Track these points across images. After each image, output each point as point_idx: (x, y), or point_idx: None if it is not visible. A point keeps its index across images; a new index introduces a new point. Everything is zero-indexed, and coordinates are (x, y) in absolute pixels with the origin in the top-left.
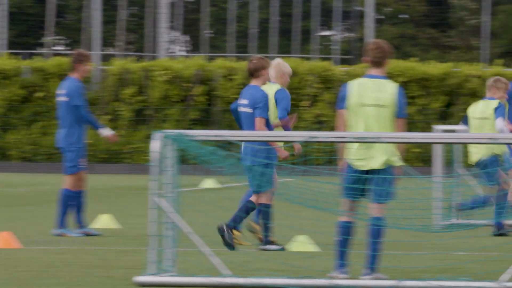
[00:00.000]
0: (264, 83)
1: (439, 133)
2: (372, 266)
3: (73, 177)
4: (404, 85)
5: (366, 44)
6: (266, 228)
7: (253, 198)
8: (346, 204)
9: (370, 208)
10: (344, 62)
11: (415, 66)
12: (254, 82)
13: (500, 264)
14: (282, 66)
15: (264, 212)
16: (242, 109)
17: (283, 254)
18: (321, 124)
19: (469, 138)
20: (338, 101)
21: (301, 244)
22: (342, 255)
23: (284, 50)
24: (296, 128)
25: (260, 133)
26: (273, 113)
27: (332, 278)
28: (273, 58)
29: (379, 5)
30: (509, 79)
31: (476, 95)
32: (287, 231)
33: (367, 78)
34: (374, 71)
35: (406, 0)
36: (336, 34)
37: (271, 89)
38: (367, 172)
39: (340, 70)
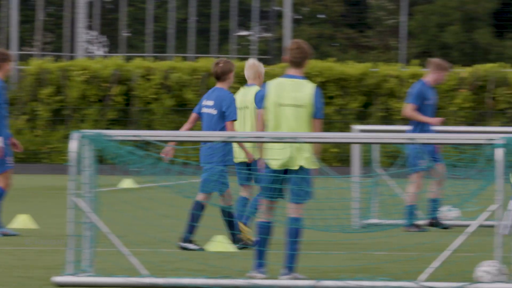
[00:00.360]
0: (229, 86)
1: (357, 133)
2: (291, 265)
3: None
4: (322, 85)
5: (286, 44)
6: (192, 227)
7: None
8: (265, 204)
9: (288, 208)
10: (262, 62)
11: (333, 66)
12: (220, 85)
13: (418, 264)
14: (258, 67)
15: (195, 212)
16: (205, 110)
17: (201, 254)
18: None
19: (387, 138)
20: (257, 101)
21: (220, 244)
22: (260, 255)
23: (203, 50)
24: None
25: (182, 133)
26: (255, 115)
27: (250, 278)
28: (191, 58)
29: (297, 5)
30: None
31: (394, 95)
32: (206, 231)
33: (285, 78)
34: (293, 71)
35: (324, 0)
36: (254, 34)
37: (250, 91)
38: (285, 172)
39: None
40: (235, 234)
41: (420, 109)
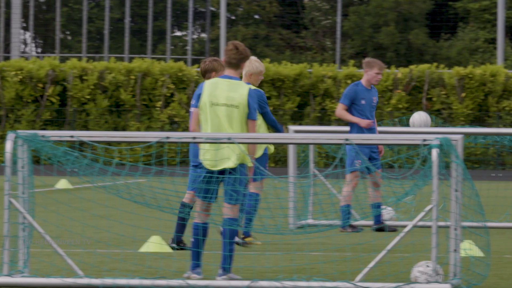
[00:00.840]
0: None
1: (293, 133)
2: (226, 266)
3: None
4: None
5: (221, 44)
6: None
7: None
8: (200, 204)
9: (223, 209)
10: (197, 62)
11: (268, 67)
12: None
13: (354, 264)
14: (251, 65)
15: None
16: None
17: (137, 255)
18: (174, 124)
19: (322, 139)
20: (192, 100)
21: (156, 245)
22: (196, 256)
23: (138, 50)
24: (149, 128)
25: (117, 134)
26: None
27: (186, 278)
28: (128, 58)
29: (232, 5)
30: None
31: (330, 95)
32: (142, 231)
33: (221, 79)
34: (229, 71)
35: (259, 1)
36: (189, 34)
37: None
38: (220, 172)
39: (193, 70)
40: (179, 236)
41: (353, 109)
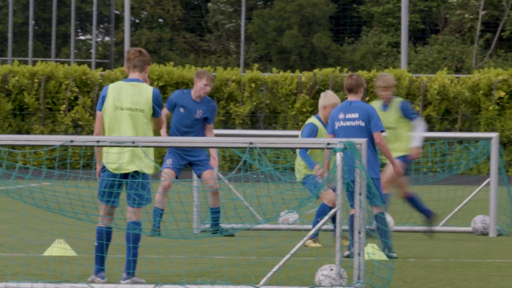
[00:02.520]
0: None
1: (198, 137)
2: (130, 270)
3: None
4: (161, 89)
5: (125, 48)
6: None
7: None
8: (104, 208)
9: (127, 212)
10: (101, 65)
11: (172, 70)
12: (354, 97)
13: (259, 268)
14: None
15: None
16: (348, 123)
17: (41, 259)
18: (78, 128)
19: (227, 142)
20: (97, 104)
21: (60, 249)
22: (100, 260)
23: (42, 53)
24: (53, 132)
25: (20, 137)
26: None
27: (90, 282)
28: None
29: (136, 9)
30: (263, 83)
31: (234, 99)
32: (46, 236)
33: (125, 82)
34: (132, 75)
35: (163, 4)
36: (93, 38)
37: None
38: (123, 176)
39: (97, 74)
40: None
41: (175, 115)
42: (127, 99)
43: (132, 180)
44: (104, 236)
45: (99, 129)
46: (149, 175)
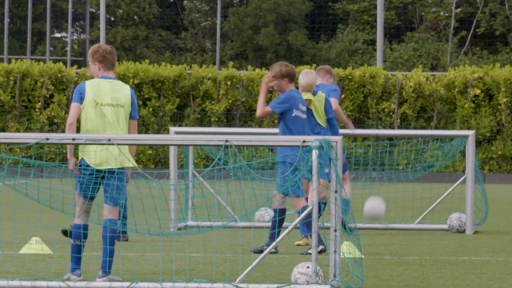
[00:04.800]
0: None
1: (173, 135)
2: (106, 269)
3: None
4: (137, 87)
5: (97, 48)
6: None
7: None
8: (82, 205)
9: (104, 209)
10: (76, 63)
11: (148, 68)
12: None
13: (235, 266)
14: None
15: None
16: (301, 115)
17: (17, 257)
18: (54, 125)
19: (202, 140)
20: (74, 96)
21: (35, 246)
22: (77, 258)
23: (18, 51)
24: (29, 130)
25: None
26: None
27: (66, 280)
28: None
29: (112, 6)
30: (239, 81)
31: (210, 96)
32: (21, 233)
33: (102, 79)
34: (108, 73)
35: (139, 2)
36: (69, 35)
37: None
38: (101, 172)
39: (72, 71)
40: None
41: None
42: (106, 95)
43: (112, 177)
44: (81, 234)
45: (73, 119)
46: (126, 172)
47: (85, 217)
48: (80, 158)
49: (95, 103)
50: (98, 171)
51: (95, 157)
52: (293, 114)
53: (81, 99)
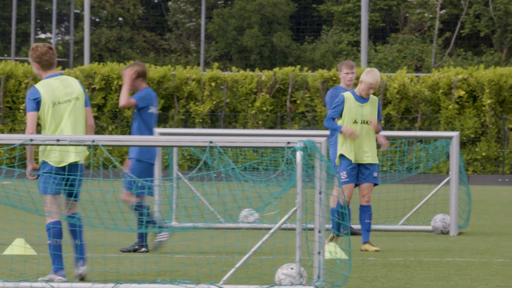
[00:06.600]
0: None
1: (158, 136)
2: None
3: None
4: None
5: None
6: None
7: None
8: (49, 203)
9: (67, 204)
10: (61, 64)
11: None
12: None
13: (219, 267)
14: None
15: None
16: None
17: (1, 258)
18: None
19: (186, 141)
20: (28, 106)
21: (19, 247)
22: (56, 257)
23: (2, 52)
24: (13, 131)
25: None
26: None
27: (48, 281)
28: None
29: (96, 8)
30: (223, 82)
31: (194, 98)
32: (5, 234)
33: (50, 79)
34: (51, 72)
35: (123, 3)
36: (53, 37)
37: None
38: (64, 168)
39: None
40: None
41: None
42: (60, 92)
43: (72, 172)
44: (55, 232)
45: (33, 129)
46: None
47: (57, 215)
48: (40, 161)
49: (53, 103)
50: (60, 168)
51: (55, 155)
52: (150, 111)
53: (37, 107)
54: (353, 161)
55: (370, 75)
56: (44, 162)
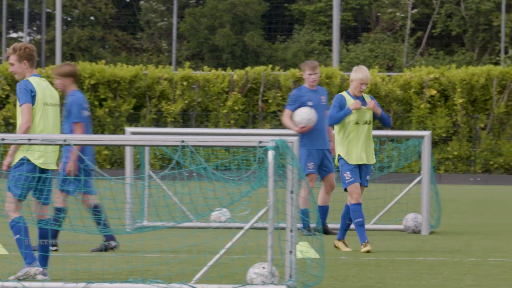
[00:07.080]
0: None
1: (129, 135)
2: (44, 265)
3: None
4: (93, 87)
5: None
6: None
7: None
8: (13, 203)
9: (40, 209)
10: None
11: (104, 68)
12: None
13: (190, 266)
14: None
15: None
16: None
17: None
18: (10, 126)
19: (158, 140)
20: (24, 97)
21: None
22: (27, 249)
23: None
24: None
25: None
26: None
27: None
28: None
29: (68, 7)
30: (195, 82)
31: (166, 97)
32: None
33: (37, 78)
34: (35, 71)
35: (95, 2)
36: (24, 36)
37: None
38: (44, 171)
39: None
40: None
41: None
42: (48, 94)
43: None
44: (23, 226)
45: (31, 122)
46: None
47: (20, 211)
48: (21, 156)
49: (43, 103)
50: (41, 169)
51: (39, 155)
52: (84, 115)
53: (32, 99)
54: (354, 163)
55: (359, 72)
56: (26, 159)
